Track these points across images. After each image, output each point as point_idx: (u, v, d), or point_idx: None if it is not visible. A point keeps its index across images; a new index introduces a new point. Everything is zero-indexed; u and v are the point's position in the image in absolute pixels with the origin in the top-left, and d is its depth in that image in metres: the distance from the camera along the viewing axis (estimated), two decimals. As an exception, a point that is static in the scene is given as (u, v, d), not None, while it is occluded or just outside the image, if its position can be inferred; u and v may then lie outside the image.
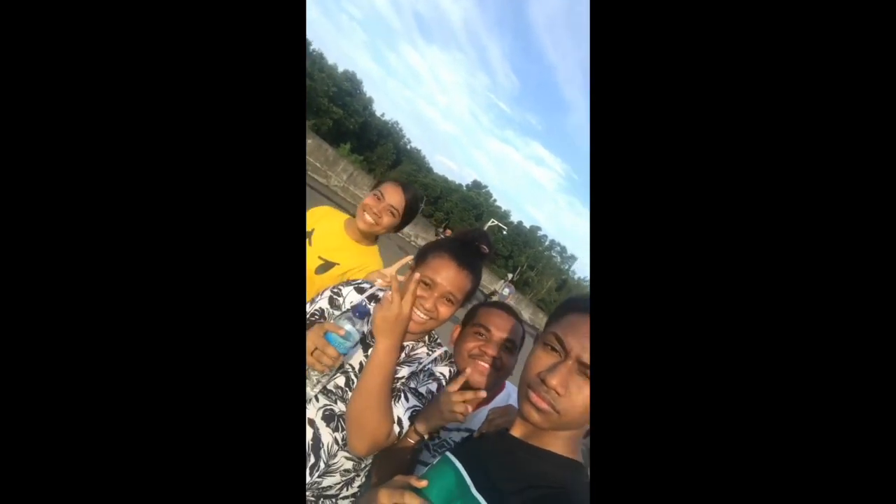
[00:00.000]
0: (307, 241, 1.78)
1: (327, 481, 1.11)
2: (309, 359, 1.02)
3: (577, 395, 0.69)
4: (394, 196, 1.75)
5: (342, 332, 1.04)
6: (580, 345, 0.70)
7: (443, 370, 1.16)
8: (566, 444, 0.74)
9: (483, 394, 0.95)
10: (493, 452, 0.79)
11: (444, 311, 1.11)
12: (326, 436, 1.09)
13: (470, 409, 0.97)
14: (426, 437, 1.06)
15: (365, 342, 1.15)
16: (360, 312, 1.06)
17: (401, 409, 1.04)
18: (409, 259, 1.31)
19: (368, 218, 1.75)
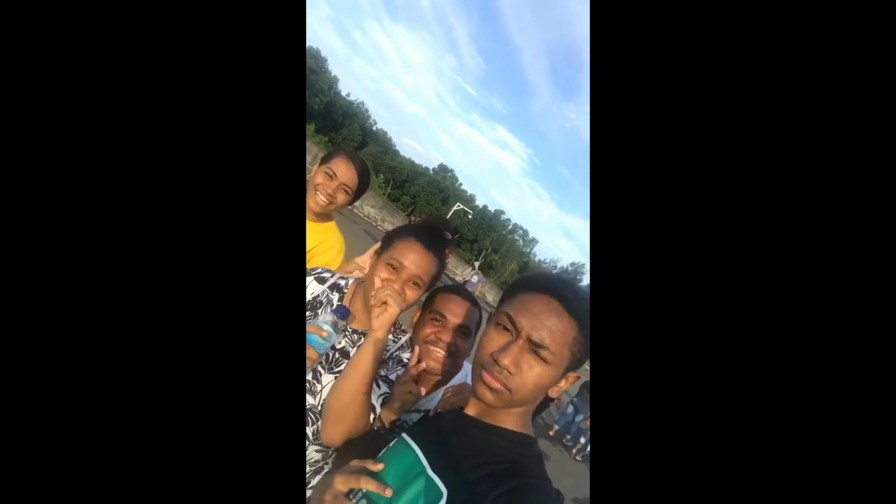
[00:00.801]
0: None
1: None
2: None
3: (528, 374, 0.72)
4: (346, 173, 1.66)
5: (325, 335, 1.02)
6: (531, 324, 0.72)
7: (409, 356, 1.18)
8: (518, 419, 0.77)
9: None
10: (448, 431, 0.80)
11: (411, 294, 1.10)
12: None
13: (423, 390, 0.99)
14: (388, 425, 1.07)
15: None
16: (341, 314, 1.06)
17: (373, 397, 1.04)
18: (377, 247, 1.28)
19: (322, 198, 1.66)
